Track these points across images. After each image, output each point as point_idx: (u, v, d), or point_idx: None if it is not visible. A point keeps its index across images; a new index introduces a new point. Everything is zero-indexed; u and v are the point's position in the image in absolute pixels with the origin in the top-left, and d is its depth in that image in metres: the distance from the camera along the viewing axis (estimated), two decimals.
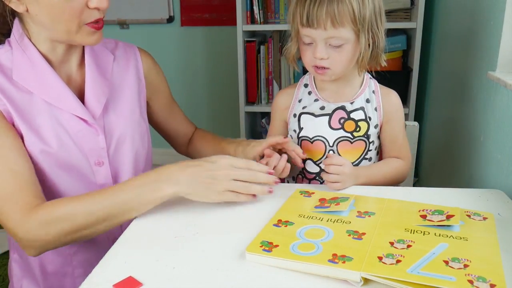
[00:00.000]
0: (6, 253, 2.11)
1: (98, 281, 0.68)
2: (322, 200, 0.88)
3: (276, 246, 0.72)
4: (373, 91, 1.06)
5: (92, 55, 0.99)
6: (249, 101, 2.37)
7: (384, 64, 1.02)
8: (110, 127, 0.99)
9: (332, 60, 0.96)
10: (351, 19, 0.92)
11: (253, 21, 2.26)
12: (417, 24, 1.98)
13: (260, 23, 2.26)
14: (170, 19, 2.70)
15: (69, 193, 0.94)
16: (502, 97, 1.15)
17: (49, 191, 0.93)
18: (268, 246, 0.72)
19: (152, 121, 1.17)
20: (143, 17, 2.75)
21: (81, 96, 0.96)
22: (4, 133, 0.87)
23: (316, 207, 0.85)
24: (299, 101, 1.08)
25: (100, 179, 0.98)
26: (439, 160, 1.77)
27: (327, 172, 0.95)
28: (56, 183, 0.94)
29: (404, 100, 2.12)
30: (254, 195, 0.88)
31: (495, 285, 0.61)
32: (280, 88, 2.41)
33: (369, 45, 0.97)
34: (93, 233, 0.85)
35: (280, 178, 0.95)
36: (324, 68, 0.97)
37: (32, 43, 0.91)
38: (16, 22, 0.91)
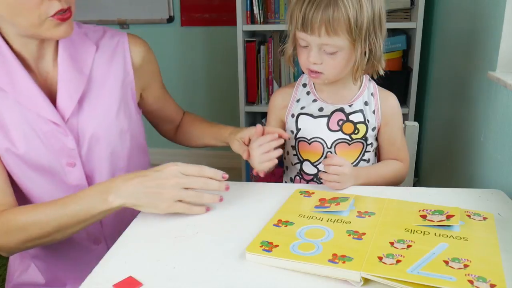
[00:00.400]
0: None
1: (98, 281, 0.68)
2: (322, 200, 0.88)
3: (276, 246, 0.72)
4: (372, 94, 1.05)
5: (68, 49, 0.94)
6: (249, 101, 2.37)
7: (381, 72, 1.01)
8: (83, 127, 0.95)
9: (325, 66, 0.95)
10: (346, 29, 0.90)
11: (253, 21, 2.26)
12: (417, 24, 1.98)
13: (260, 23, 2.26)
14: (170, 19, 2.70)
15: (43, 194, 0.93)
16: (502, 97, 1.15)
17: (20, 191, 0.93)
18: (268, 246, 0.72)
19: (145, 111, 1.13)
20: (143, 17, 2.75)
21: (55, 94, 0.92)
22: None
23: (316, 207, 0.85)
24: (297, 101, 1.08)
25: (73, 180, 0.95)
26: (439, 160, 1.77)
27: (326, 172, 0.95)
28: (27, 183, 0.92)
29: (404, 100, 2.12)
30: (207, 207, 0.86)
31: (495, 285, 0.61)
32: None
33: (365, 53, 0.95)
34: (52, 241, 0.86)
35: (277, 179, 0.95)
36: (318, 72, 0.97)
37: (5, 39, 0.87)
38: None
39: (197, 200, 0.84)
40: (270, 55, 2.30)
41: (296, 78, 2.40)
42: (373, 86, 1.06)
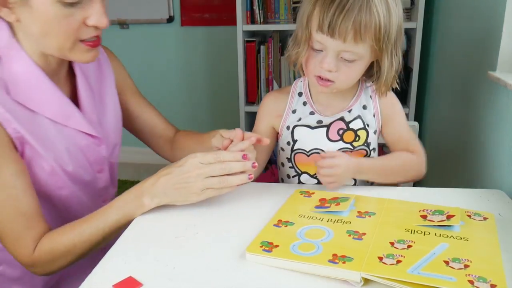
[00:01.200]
0: None
1: (98, 281, 0.68)
2: (322, 200, 0.88)
3: (276, 246, 0.72)
4: (371, 96, 1.00)
5: (80, 64, 0.95)
6: (249, 101, 2.37)
7: (395, 86, 0.95)
8: (106, 134, 1.00)
9: (339, 74, 0.88)
10: (375, 36, 0.83)
11: (253, 21, 2.26)
12: (417, 24, 1.98)
13: (260, 23, 2.26)
14: (170, 19, 2.70)
15: (73, 201, 0.95)
16: (502, 97, 1.15)
17: (63, 201, 0.94)
18: (268, 246, 0.72)
19: (126, 123, 1.12)
20: (143, 17, 2.75)
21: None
22: (8, 167, 0.82)
23: (316, 207, 0.85)
24: (293, 111, 1.00)
25: (100, 184, 1.01)
26: (439, 160, 1.77)
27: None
28: (69, 199, 0.95)
29: (404, 100, 2.12)
30: (249, 176, 0.85)
31: (495, 286, 0.61)
32: (280, 88, 2.41)
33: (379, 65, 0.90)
34: (95, 251, 0.88)
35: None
36: (329, 81, 0.89)
37: (26, 53, 0.84)
38: (3, 29, 0.83)
39: (223, 185, 0.83)
40: (270, 55, 2.30)
41: (297, 77, 2.40)
42: (370, 88, 1.00)
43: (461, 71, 1.54)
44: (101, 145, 0.97)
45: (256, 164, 0.85)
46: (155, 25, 2.73)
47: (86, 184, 0.97)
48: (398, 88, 0.96)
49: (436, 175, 1.77)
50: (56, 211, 0.95)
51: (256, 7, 2.23)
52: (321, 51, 0.87)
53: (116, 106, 1.04)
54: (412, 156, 0.99)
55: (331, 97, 0.98)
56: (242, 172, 0.84)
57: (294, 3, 2.27)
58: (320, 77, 0.89)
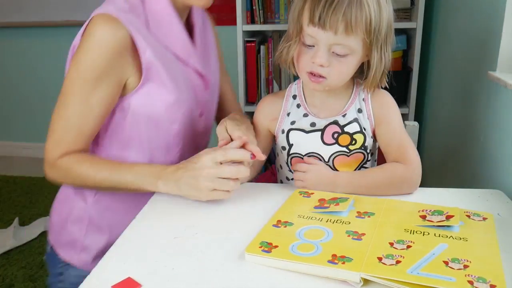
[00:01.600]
0: (6, 253, 2.11)
1: (97, 282, 0.68)
2: (321, 200, 0.88)
3: (276, 246, 0.72)
4: (363, 99, 0.97)
5: (195, 19, 1.06)
6: (249, 101, 2.37)
7: (385, 84, 0.94)
8: (210, 79, 1.07)
9: (331, 69, 0.87)
10: (366, 28, 0.84)
11: (253, 21, 2.26)
12: (417, 24, 1.98)
13: (260, 23, 2.26)
14: None
15: (183, 141, 1.03)
16: (502, 97, 1.15)
17: (168, 137, 1.01)
18: (268, 247, 0.72)
19: None
20: None
21: None
22: (101, 91, 0.91)
23: (315, 207, 0.85)
24: (288, 114, 0.99)
25: (200, 128, 1.08)
26: (439, 160, 1.77)
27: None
28: (177, 130, 1.01)
29: (404, 100, 2.12)
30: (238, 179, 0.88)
31: (495, 286, 0.61)
32: (280, 88, 2.41)
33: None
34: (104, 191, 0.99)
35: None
36: (321, 76, 0.88)
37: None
38: None
39: (229, 188, 0.86)
40: (270, 55, 2.30)
41: (296, 78, 2.40)
42: (363, 91, 0.97)
43: (461, 71, 1.54)
44: (207, 88, 1.06)
45: (254, 157, 0.89)
46: None
47: (191, 125, 1.04)
48: (387, 86, 0.96)
49: (436, 175, 1.77)
50: (164, 143, 1.02)
51: (256, 7, 2.23)
52: (313, 46, 0.87)
53: (216, 65, 1.13)
54: (403, 169, 0.92)
55: (325, 98, 0.97)
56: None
57: None
58: (312, 73, 0.89)
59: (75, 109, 0.92)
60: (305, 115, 0.98)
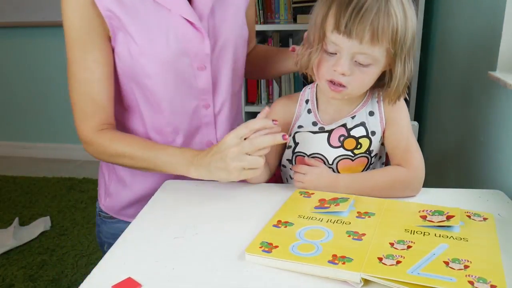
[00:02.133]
0: (6, 253, 2.11)
1: (97, 282, 0.68)
2: (321, 200, 0.88)
3: (276, 247, 0.72)
4: (377, 101, 0.95)
5: None
6: (249, 101, 2.37)
7: (405, 96, 0.92)
8: (216, 31, 0.98)
9: (352, 79, 0.84)
10: (392, 38, 0.81)
11: None
12: (417, 24, 1.98)
13: (260, 23, 2.26)
14: None
15: (172, 97, 0.98)
16: (502, 97, 1.15)
17: (152, 93, 0.97)
18: (268, 247, 0.72)
19: None
20: None
21: None
22: (92, 53, 0.90)
23: (315, 207, 0.85)
24: (298, 119, 0.98)
25: (201, 84, 1.00)
26: (439, 160, 1.77)
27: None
28: (159, 84, 0.96)
29: (404, 100, 2.12)
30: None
31: (495, 286, 0.61)
32: (280, 88, 2.41)
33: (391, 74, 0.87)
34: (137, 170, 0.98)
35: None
36: (341, 85, 0.85)
37: None
38: None
39: (257, 165, 0.84)
40: None
41: (296, 78, 2.40)
42: (378, 95, 0.96)
43: (461, 71, 1.54)
44: (204, 40, 0.95)
45: (286, 136, 0.85)
46: None
47: (182, 79, 0.97)
48: (407, 98, 0.94)
49: (436, 175, 1.77)
50: (150, 105, 0.99)
51: (256, 7, 2.23)
52: (335, 54, 0.84)
53: (240, 9, 1.03)
54: (405, 172, 0.91)
55: (339, 105, 0.95)
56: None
57: (294, 3, 2.27)
58: (332, 81, 0.86)
59: (80, 78, 0.92)
60: (314, 124, 0.96)
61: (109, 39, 0.92)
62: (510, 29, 1.16)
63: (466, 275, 0.63)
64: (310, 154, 0.97)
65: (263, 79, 2.21)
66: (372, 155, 0.96)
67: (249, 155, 0.84)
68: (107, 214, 1.13)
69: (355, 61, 0.83)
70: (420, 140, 1.05)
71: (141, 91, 0.98)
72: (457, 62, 1.62)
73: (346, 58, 0.82)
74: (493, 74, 1.17)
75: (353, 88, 0.86)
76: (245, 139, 0.84)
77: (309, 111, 0.97)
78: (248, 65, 1.13)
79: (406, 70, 0.87)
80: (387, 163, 1.03)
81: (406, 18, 0.83)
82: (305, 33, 0.92)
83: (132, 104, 1.01)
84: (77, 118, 0.96)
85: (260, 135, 0.84)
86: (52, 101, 3.14)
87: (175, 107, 1.00)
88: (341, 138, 0.94)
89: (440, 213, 0.80)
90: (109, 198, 1.11)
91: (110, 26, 0.90)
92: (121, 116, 1.04)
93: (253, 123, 0.85)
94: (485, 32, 1.30)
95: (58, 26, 3.23)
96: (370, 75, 0.86)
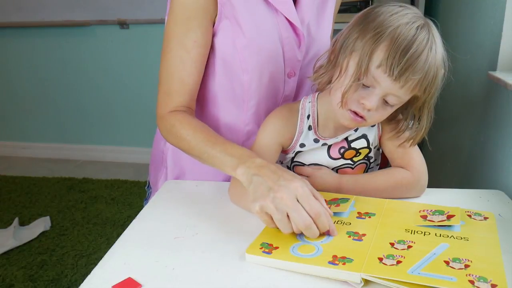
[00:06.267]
0: (6, 253, 2.11)
1: (97, 282, 0.68)
2: None
3: (276, 248, 0.72)
4: None
5: None
6: None
7: (418, 141, 0.91)
8: (309, 40, 0.97)
9: (374, 114, 0.82)
10: (426, 86, 0.81)
11: None
12: None
13: None
14: None
15: (260, 97, 0.97)
16: (502, 97, 1.15)
17: (243, 88, 0.96)
18: (268, 248, 0.72)
19: None
20: (143, 17, 2.75)
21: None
22: (195, 33, 0.90)
23: None
24: (300, 134, 0.94)
25: (287, 90, 0.99)
26: (439, 160, 1.77)
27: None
28: (254, 81, 0.95)
29: None
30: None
31: (496, 285, 0.61)
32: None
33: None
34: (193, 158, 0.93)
35: None
36: (363, 117, 0.83)
37: None
38: None
39: (277, 226, 0.73)
40: None
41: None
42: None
43: (461, 71, 1.54)
44: (301, 45, 0.94)
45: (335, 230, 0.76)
46: (155, 25, 2.73)
47: (273, 82, 0.96)
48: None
49: (436, 175, 1.77)
50: (235, 100, 0.98)
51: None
52: (368, 87, 0.80)
53: (330, 22, 1.02)
54: (407, 175, 0.91)
55: (342, 126, 0.91)
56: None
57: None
58: (356, 113, 0.82)
59: (175, 54, 0.92)
60: (316, 141, 0.93)
61: (213, 24, 0.92)
62: (510, 29, 1.16)
63: (466, 275, 0.63)
64: (309, 165, 0.95)
65: None
66: (371, 161, 0.96)
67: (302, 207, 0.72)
68: None
69: (384, 99, 0.81)
70: (420, 140, 1.04)
71: (231, 84, 0.97)
72: (457, 62, 1.61)
73: (378, 96, 0.79)
74: (493, 74, 1.17)
75: (371, 122, 0.85)
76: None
77: (309, 128, 0.93)
78: None
79: (430, 115, 0.87)
80: (382, 165, 1.03)
81: (444, 69, 0.85)
82: (324, 53, 0.89)
83: (213, 97, 1.00)
84: (160, 92, 0.96)
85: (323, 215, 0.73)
86: (52, 101, 3.14)
87: (259, 108, 0.99)
88: (342, 150, 0.93)
89: (441, 212, 0.80)
90: (165, 173, 1.09)
91: (220, 12, 0.90)
92: (196, 107, 1.01)
93: (323, 218, 0.73)
94: (485, 32, 1.30)
95: (58, 26, 3.24)
96: (390, 112, 0.84)
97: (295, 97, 1.03)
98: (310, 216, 0.71)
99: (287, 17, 0.92)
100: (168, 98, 0.94)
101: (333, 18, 1.06)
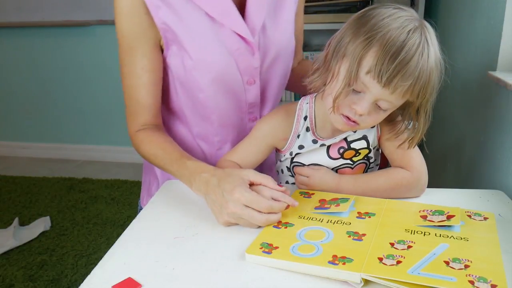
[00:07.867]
0: (6, 253, 2.11)
1: (97, 282, 0.68)
2: (322, 201, 0.87)
3: (276, 247, 0.72)
4: None
5: None
6: None
7: (416, 143, 0.91)
8: (266, 45, 0.96)
9: (367, 118, 0.82)
10: (419, 92, 0.80)
11: None
12: None
13: None
14: None
15: (222, 110, 0.99)
16: (502, 97, 1.15)
17: (202, 105, 0.98)
18: (268, 248, 0.72)
19: None
20: None
21: (239, 10, 0.92)
22: (142, 60, 0.92)
23: (316, 208, 0.85)
24: (298, 136, 0.94)
25: (249, 98, 1.00)
26: (439, 160, 1.77)
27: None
28: (210, 98, 0.96)
29: None
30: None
31: (496, 286, 0.61)
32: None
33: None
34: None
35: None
36: (355, 122, 0.83)
37: None
38: None
39: (249, 226, 0.80)
40: None
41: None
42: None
43: (461, 71, 1.54)
44: (255, 54, 0.94)
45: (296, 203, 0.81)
46: None
47: (233, 93, 0.97)
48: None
49: (436, 175, 1.77)
50: (199, 115, 1.00)
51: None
52: (359, 92, 0.80)
53: (290, 22, 1.00)
54: (407, 175, 0.90)
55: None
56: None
57: None
58: (349, 118, 0.83)
59: (128, 81, 0.95)
60: (314, 141, 0.93)
61: (159, 47, 0.93)
62: (510, 29, 1.16)
63: (466, 275, 0.63)
64: (309, 165, 0.95)
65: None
66: (370, 161, 0.96)
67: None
68: None
69: (376, 103, 0.81)
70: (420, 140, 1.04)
71: (191, 102, 0.99)
72: (457, 62, 1.61)
73: (369, 101, 0.79)
74: (493, 74, 1.17)
75: (365, 126, 0.86)
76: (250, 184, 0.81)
77: (307, 129, 0.93)
78: (292, 78, 1.10)
79: (428, 118, 0.87)
80: (382, 165, 1.03)
81: (440, 75, 0.83)
82: (319, 55, 0.88)
83: (179, 112, 1.03)
84: (126, 112, 0.99)
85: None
86: (52, 101, 3.14)
87: (224, 119, 1.01)
88: (341, 150, 0.93)
89: (441, 213, 0.80)
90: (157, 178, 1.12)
91: (164, 38, 0.91)
92: (168, 121, 1.06)
93: (266, 192, 0.80)
94: (485, 32, 1.30)
95: (58, 26, 3.23)
96: (383, 116, 0.85)
97: (262, 102, 1.04)
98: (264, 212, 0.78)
99: (234, 30, 0.91)
100: (131, 118, 0.99)
101: (298, 12, 1.05)
